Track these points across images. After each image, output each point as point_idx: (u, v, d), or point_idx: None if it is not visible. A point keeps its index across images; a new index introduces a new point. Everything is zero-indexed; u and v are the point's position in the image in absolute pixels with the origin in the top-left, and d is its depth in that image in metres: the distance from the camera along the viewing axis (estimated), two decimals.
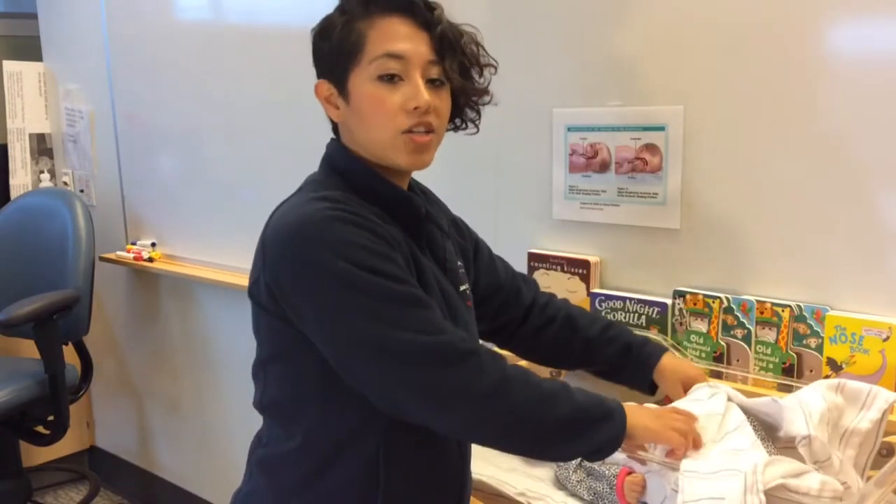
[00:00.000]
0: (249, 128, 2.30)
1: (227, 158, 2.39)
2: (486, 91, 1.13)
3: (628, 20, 1.49)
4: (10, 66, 2.91)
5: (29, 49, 2.98)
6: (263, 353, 1.10)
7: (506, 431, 0.99)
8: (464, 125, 1.16)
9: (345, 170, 1.09)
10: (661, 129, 1.47)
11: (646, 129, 1.49)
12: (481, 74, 1.11)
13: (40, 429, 2.43)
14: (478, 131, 1.17)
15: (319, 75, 1.10)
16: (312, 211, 0.99)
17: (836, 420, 1.11)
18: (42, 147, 3.03)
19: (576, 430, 0.99)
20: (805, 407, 1.09)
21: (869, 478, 1.09)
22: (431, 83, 1.05)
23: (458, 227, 1.29)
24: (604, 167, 1.55)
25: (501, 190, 1.74)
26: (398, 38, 1.03)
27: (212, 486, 2.71)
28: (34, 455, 2.92)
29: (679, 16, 1.43)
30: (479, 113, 1.15)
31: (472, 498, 1.25)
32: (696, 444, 1.05)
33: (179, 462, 2.85)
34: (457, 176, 1.81)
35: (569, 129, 1.60)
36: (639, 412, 1.04)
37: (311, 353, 1.01)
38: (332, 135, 1.15)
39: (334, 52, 1.05)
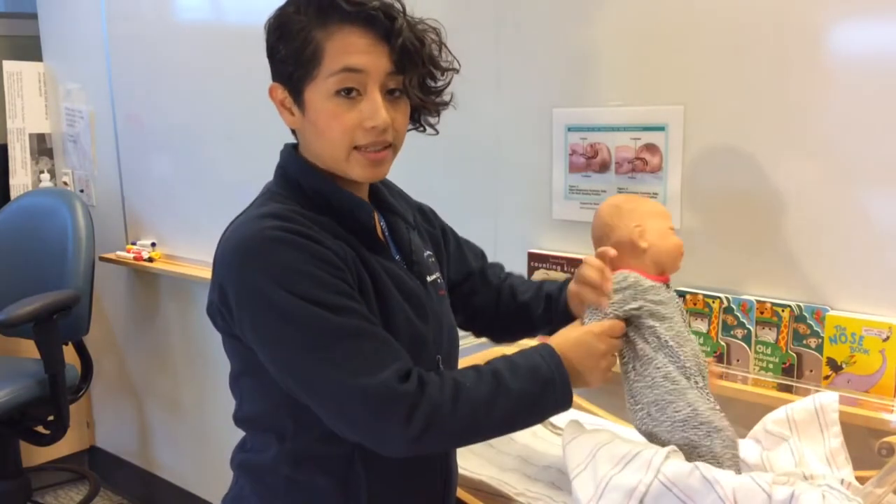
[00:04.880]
0: (249, 128, 2.30)
1: (227, 158, 2.39)
2: (445, 101, 1.10)
3: (629, 20, 1.49)
4: (10, 66, 2.91)
5: (29, 49, 2.98)
6: (234, 368, 1.10)
7: (454, 444, 1.08)
8: (422, 128, 1.13)
9: (298, 178, 1.07)
10: (661, 129, 1.47)
11: (646, 129, 1.49)
12: (443, 75, 1.07)
13: (40, 429, 2.42)
14: (437, 133, 1.14)
15: (274, 77, 1.06)
16: (255, 231, 0.98)
17: (800, 455, 1.12)
18: (42, 147, 3.03)
19: (524, 416, 1.03)
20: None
21: (868, 478, 1.09)
22: (390, 94, 1.02)
23: (426, 214, 1.27)
24: (604, 167, 1.55)
25: (501, 190, 1.74)
26: (357, 51, 0.98)
27: (212, 486, 2.71)
28: (34, 455, 2.92)
29: (679, 16, 1.43)
30: (438, 117, 1.12)
31: (472, 498, 1.25)
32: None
33: (179, 462, 2.85)
34: (457, 176, 1.81)
35: (569, 129, 1.60)
36: (571, 362, 1.04)
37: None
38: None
39: (290, 59, 1.01)
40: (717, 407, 1.09)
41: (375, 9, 0.98)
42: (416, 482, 1.12)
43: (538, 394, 1.01)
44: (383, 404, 0.94)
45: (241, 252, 0.98)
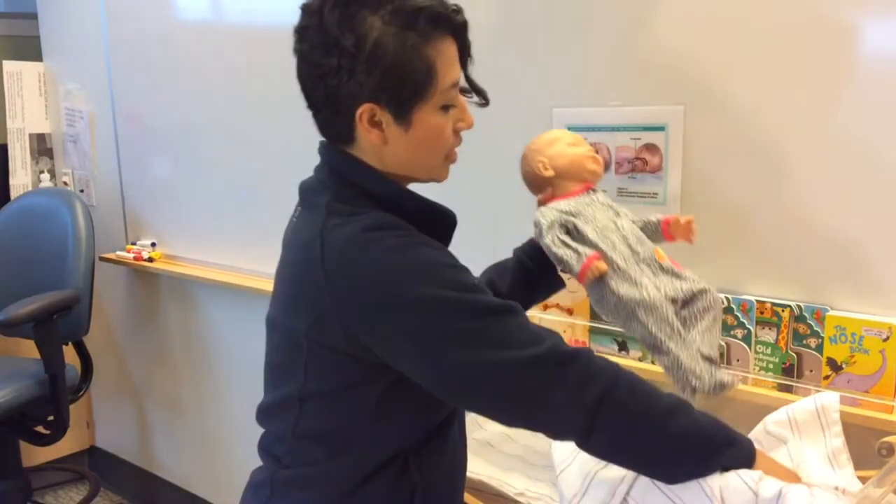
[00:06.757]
0: (249, 127, 2.30)
1: (227, 158, 2.39)
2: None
3: (628, 20, 1.49)
4: (10, 66, 2.91)
5: (29, 49, 2.98)
6: (310, 387, 1.03)
7: (626, 435, 0.92)
8: None
9: (365, 185, 1.02)
10: (661, 129, 1.47)
11: (646, 129, 1.49)
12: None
13: (40, 429, 2.43)
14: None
15: (366, 97, 0.96)
16: (382, 244, 0.94)
17: (800, 458, 1.11)
18: (42, 147, 3.03)
19: (696, 453, 0.93)
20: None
21: (869, 478, 1.09)
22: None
23: None
24: (604, 167, 1.55)
25: (501, 190, 1.74)
26: (454, 63, 1.00)
27: (212, 486, 2.71)
28: (34, 455, 2.92)
29: (679, 15, 1.43)
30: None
31: (472, 498, 1.25)
32: None
33: (179, 462, 2.85)
34: (457, 176, 1.81)
35: (569, 129, 1.59)
36: (765, 460, 0.98)
37: (375, 385, 0.99)
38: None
39: (398, 77, 0.95)
40: (649, 279, 1.14)
41: (463, 17, 1.01)
42: (455, 481, 1.13)
43: (721, 440, 0.94)
44: (558, 366, 0.91)
45: (380, 267, 0.94)
